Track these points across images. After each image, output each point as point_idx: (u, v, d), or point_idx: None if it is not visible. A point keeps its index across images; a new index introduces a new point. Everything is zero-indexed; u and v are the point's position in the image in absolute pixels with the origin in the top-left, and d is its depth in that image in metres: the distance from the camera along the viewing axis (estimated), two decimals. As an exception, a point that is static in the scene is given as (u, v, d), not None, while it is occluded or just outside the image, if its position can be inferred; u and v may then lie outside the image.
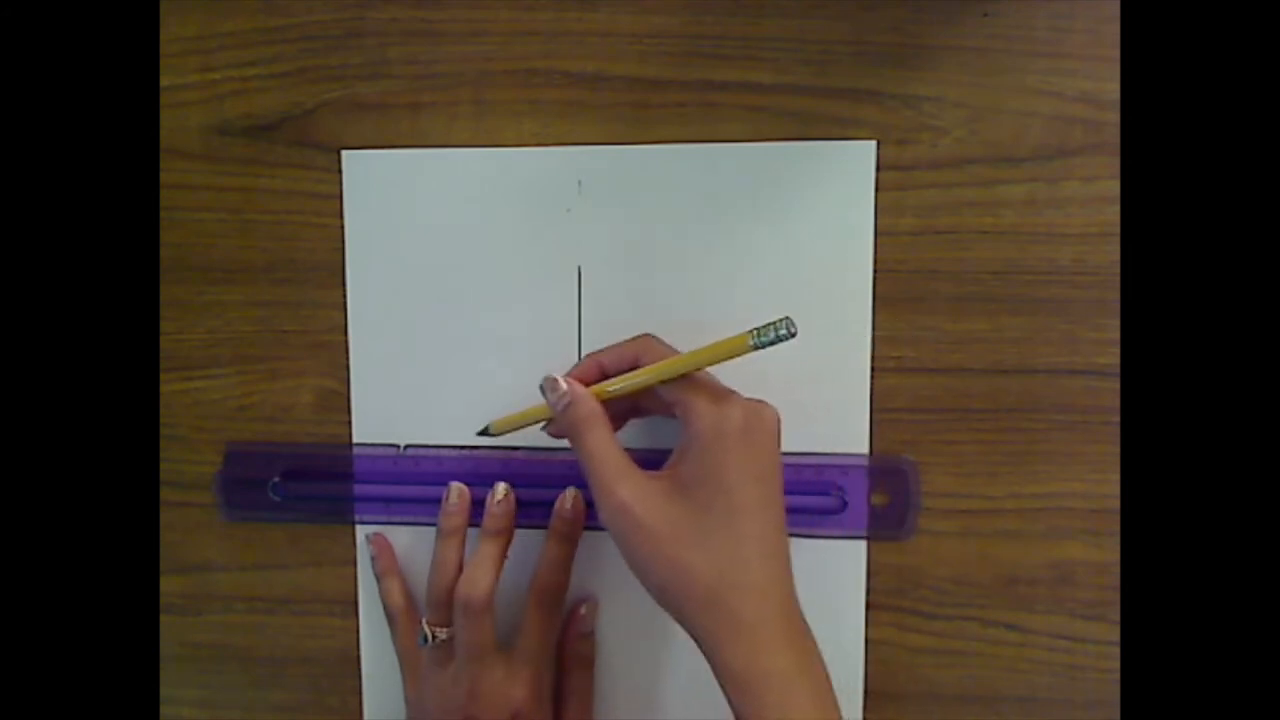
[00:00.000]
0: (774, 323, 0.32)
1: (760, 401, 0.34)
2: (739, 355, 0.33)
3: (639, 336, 0.37)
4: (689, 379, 0.34)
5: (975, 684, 0.40)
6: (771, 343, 0.32)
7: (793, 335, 0.32)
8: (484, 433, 0.40)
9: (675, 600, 0.32)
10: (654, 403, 0.36)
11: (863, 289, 0.39)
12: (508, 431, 0.39)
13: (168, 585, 0.43)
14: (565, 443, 0.40)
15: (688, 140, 0.39)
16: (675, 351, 0.35)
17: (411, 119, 0.40)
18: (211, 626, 0.44)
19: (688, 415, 0.34)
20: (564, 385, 0.35)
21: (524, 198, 0.40)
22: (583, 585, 0.41)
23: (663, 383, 0.35)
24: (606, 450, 0.34)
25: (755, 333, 0.33)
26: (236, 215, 0.41)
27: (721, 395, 0.34)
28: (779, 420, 0.34)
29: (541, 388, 0.36)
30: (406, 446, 0.41)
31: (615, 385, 0.35)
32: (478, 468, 0.41)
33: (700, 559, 0.32)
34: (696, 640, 0.32)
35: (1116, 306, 0.38)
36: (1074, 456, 0.39)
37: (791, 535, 0.39)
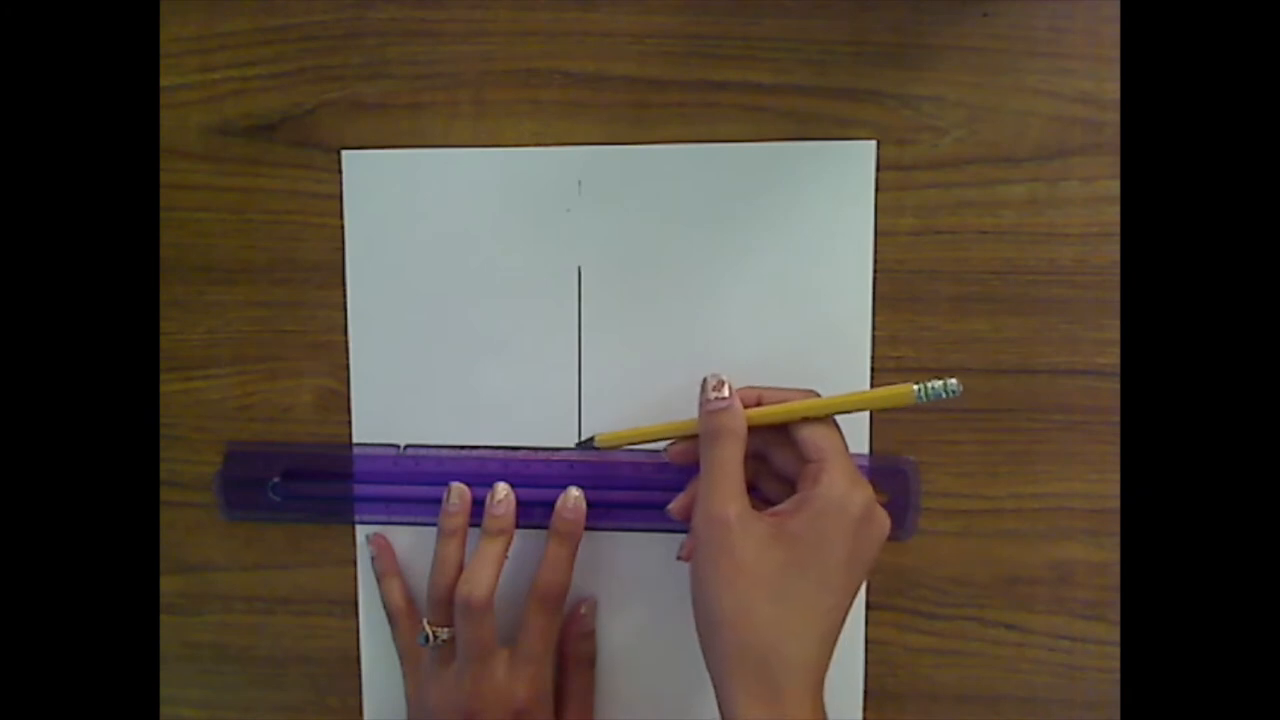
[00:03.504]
0: (943, 382, 0.33)
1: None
2: (899, 406, 0.34)
3: (808, 390, 0.36)
4: (833, 443, 0.34)
5: (975, 684, 0.40)
6: (936, 398, 0.33)
7: (956, 395, 0.33)
8: (586, 445, 0.39)
9: (720, 635, 0.32)
10: (783, 457, 0.36)
11: (863, 289, 0.39)
12: (615, 447, 0.39)
13: (168, 585, 0.43)
14: (565, 443, 0.40)
15: (688, 140, 0.39)
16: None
17: (411, 119, 0.40)
18: (211, 626, 0.44)
19: (819, 475, 0.33)
20: (729, 390, 0.35)
21: (524, 198, 0.40)
22: (583, 585, 0.41)
23: (809, 420, 0.35)
24: (735, 465, 0.34)
25: (922, 389, 0.33)
26: (236, 215, 0.41)
27: (854, 475, 0.34)
28: (888, 530, 0.34)
29: (705, 381, 0.35)
30: (406, 446, 0.41)
31: (765, 411, 0.35)
32: (478, 468, 0.41)
33: (769, 612, 0.32)
34: (715, 678, 0.32)
35: (1116, 306, 0.38)
36: (1074, 456, 0.39)
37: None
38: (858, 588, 0.34)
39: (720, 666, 0.32)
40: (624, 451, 0.40)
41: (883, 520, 0.34)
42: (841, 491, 0.33)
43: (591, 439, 0.39)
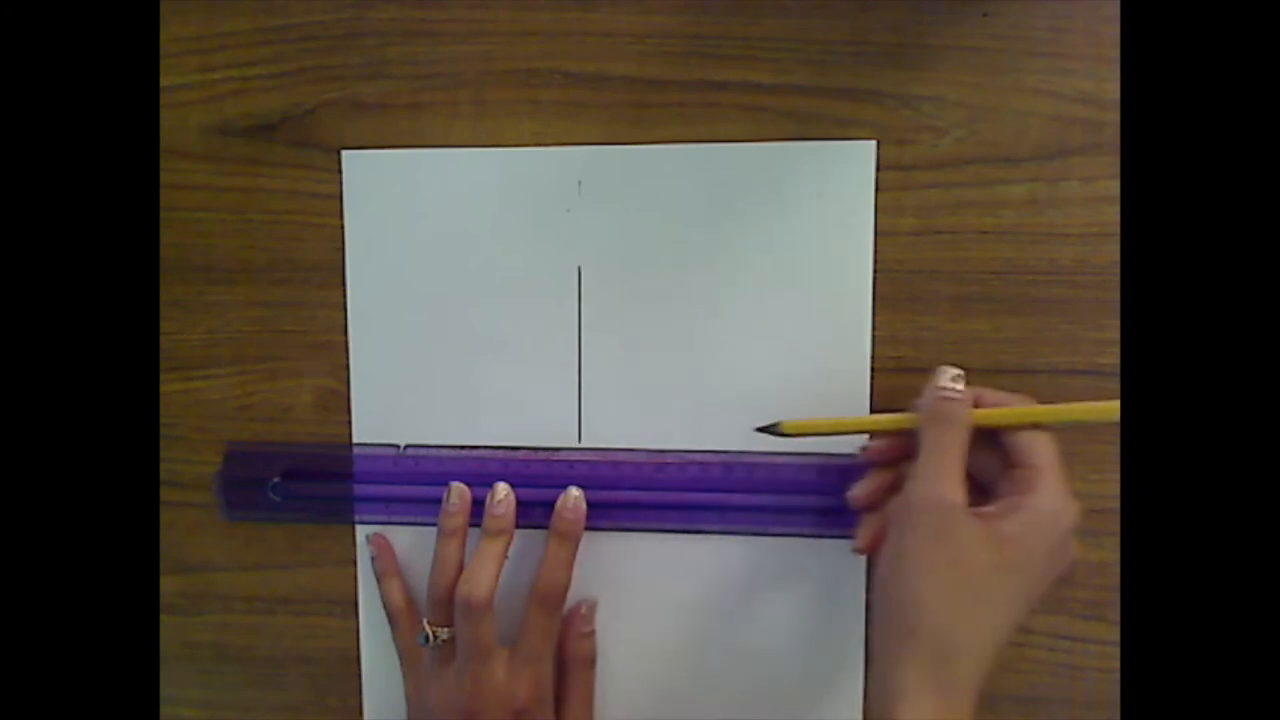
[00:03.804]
0: None
1: None
2: (1107, 421, 0.34)
3: (1022, 396, 0.36)
4: (1051, 453, 0.34)
5: (975, 684, 0.40)
6: None
7: None
8: (772, 430, 0.38)
9: (911, 617, 0.31)
10: (981, 460, 0.35)
11: (863, 289, 0.39)
12: (802, 436, 0.38)
13: (168, 585, 0.43)
14: (566, 443, 0.40)
15: (688, 140, 0.39)
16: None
17: (411, 119, 0.40)
18: (211, 626, 0.44)
19: (1034, 483, 0.33)
20: (963, 384, 0.35)
21: (524, 198, 0.40)
22: (583, 585, 0.41)
23: (1036, 427, 0.34)
24: (960, 452, 0.33)
25: None
26: (236, 215, 0.41)
27: (1069, 488, 0.33)
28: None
29: (940, 371, 0.35)
30: (406, 446, 0.41)
31: (992, 413, 0.35)
32: (478, 468, 0.41)
33: (970, 609, 0.31)
34: (887, 658, 0.32)
35: (1116, 306, 0.38)
36: (1074, 456, 0.38)
37: (792, 535, 0.40)
38: (1039, 600, 0.33)
39: (899, 648, 0.31)
40: (624, 451, 0.40)
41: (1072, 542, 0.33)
42: (1059, 504, 0.33)
43: (777, 424, 0.38)
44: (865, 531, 0.37)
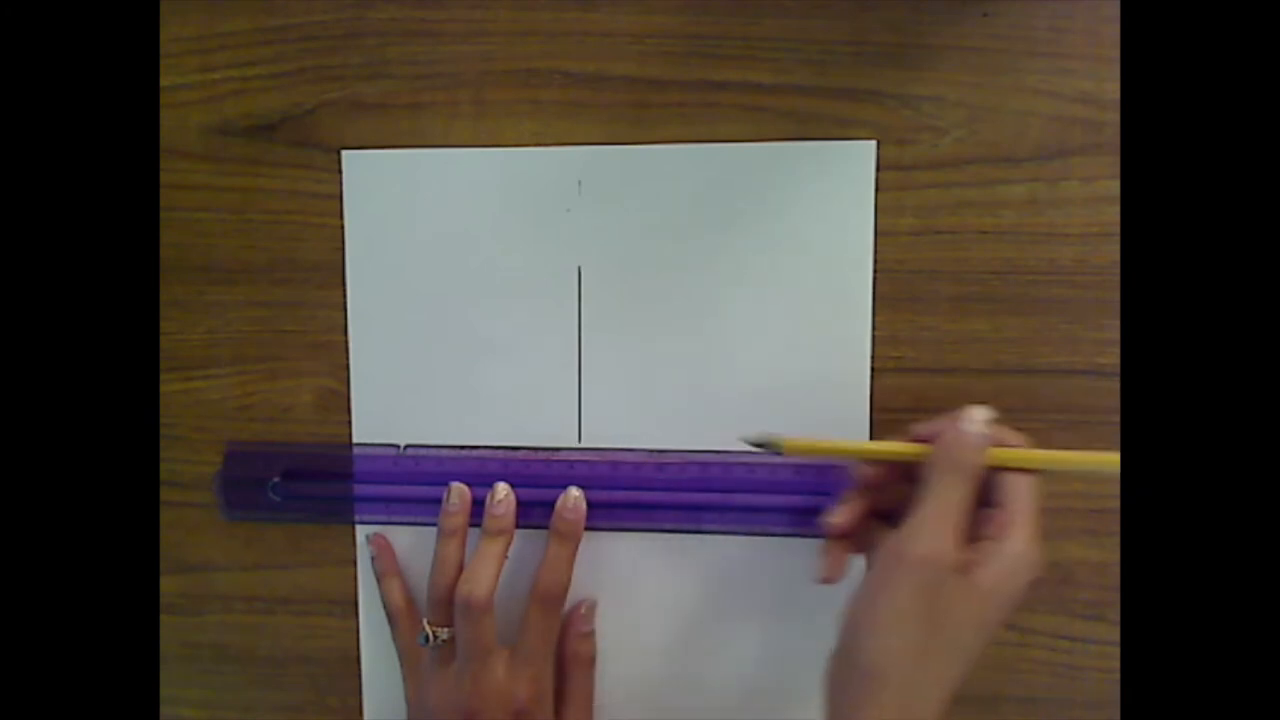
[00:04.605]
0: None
1: None
2: (1105, 470, 0.34)
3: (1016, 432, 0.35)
4: (1032, 499, 0.33)
5: (975, 684, 0.40)
6: None
7: None
8: (770, 448, 0.36)
9: (867, 671, 0.31)
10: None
11: (863, 289, 0.39)
12: (800, 454, 0.36)
13: (168, 585, 0.43)
14: (566, 443, 0.40)
15: (688, 140, 0.39)
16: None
17: (411, 119, 0.40)
18: (211, 626, 0.44)
19: (1009, 529, 0.32)
20: (991, 429, 0.33)
21: (524, 198, 0.40)
22: (583, 585, 0.41)
23: (1024, 471, 0.33)
24: (967, 508, 0.32)
25: None
26: (236, 215, 0.41)
27: (1040, 534, 0.32)
28: None
29: (967, 412, 0.33)
30: (406, 446, 0.41)
31: (1013, 455, 0.33)
32: (478, 468, 0.40)
33: (941, 667, 0.31)
34: (835, 700, 0.32)
35: (1116, 306, 0.38)
36: (1074, 456, 0.39)
37: (792, 535, 0.40)
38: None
39: (863, 694, 0.31)
40: (624, 451, 0.40)
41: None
42: (1032, 553, 0.32)
43: (778, 443, 0.36)
44: (832, 561, 0.36)
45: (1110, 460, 0.34)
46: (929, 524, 0.32)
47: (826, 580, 0.36)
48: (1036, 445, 0.39)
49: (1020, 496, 0.33)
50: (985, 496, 0.33)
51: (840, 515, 0.36)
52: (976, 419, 0.33)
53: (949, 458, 0.33)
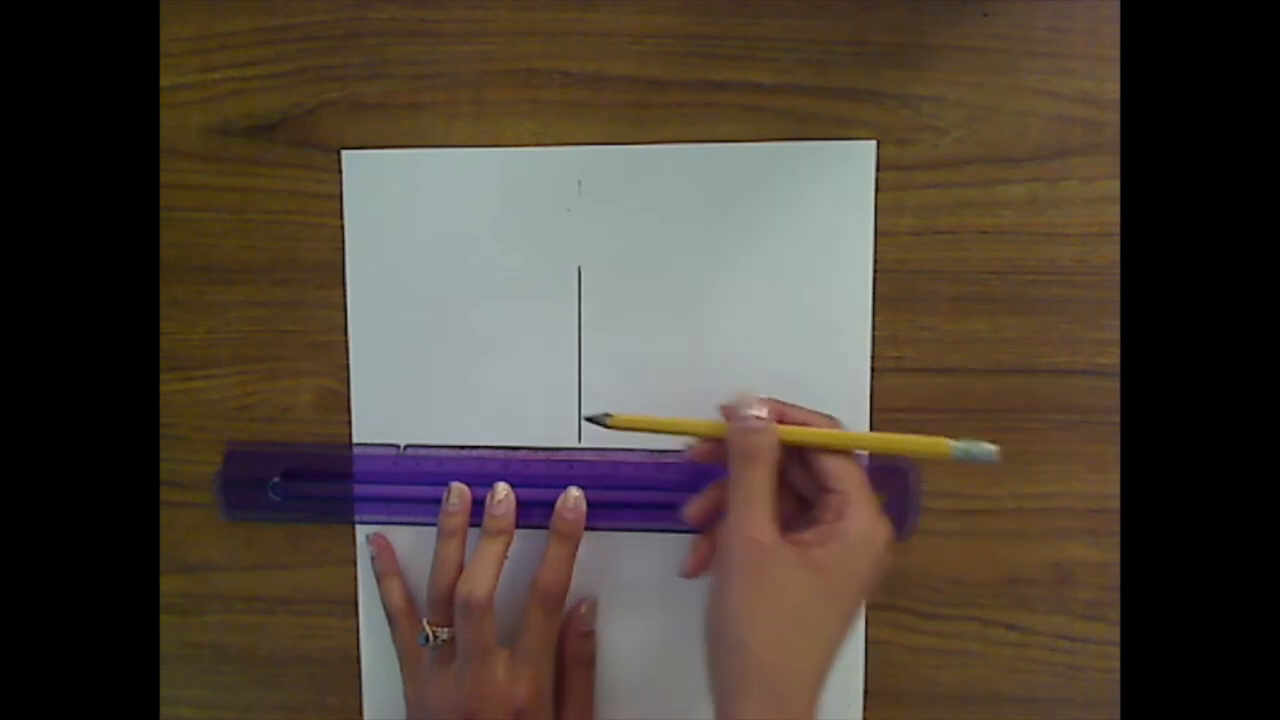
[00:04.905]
0: (981, 444, 0.33)
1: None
2: (935, 456, 0.34)
3: (828, 415, 0.36)
4: (856, 477, 0.34)
5: (975, 684, 0.40)
6: (970, 459, 0.33)
7: (993, 460, 0.33)
8: (598, 421, 0.37)
9: (738, 655, 0.32)
10: (798, 476, 0.36)
11: (863, 289, 0.39)
12: (628, 430, 0.37)
13: (168, 585, 0.43)
14: (566, 443, 0.40)
15: (688, 140, 0.39)
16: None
17: (411, 119, 0.40)
18: (211, 626, 0.44)
19: (843, 509, 0.33)
20: (766, 411, 0.34)
21: (524, 198, 0.40)
22: (583, 585, 0.41)
23: (835, 451, 0.34)
24: (769, 488, 0.33)
25: (959, 448, 0.33)
26: (236, 215, 0.41)
27: (877, 509, 0.34)
28: None
29: (737, 399, 0.35)
30: (406, 446, 0.41)
31: (797, 433, 0.34)
32: (478, 468, 0.41)
33: (793, 638, 0.32)
34: (723, 695, 0.32)
35: (1116, 306, 0.38)
36: (1074, 456, 0.39)
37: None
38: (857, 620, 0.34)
39: (732, 685, 0.32)
40: (624, 451, 0.40)
41: (890, 555, 0.34)
42: (869, 529, 0.33)
43: (606, 416, 0.37)
44: (695, 554, 0.37)
45: (940, 445, 0.34)
46: (738, 508, 0.33)
47: (688, 573, 0.37)
48: (1033, 445, 0.39)
49: (844, 477, 0.34)
50: (822, 483, 0.34)
51: (695, 507, 0.37)
52: (747, 404, 0.34)
53: (737, 445, 0.34)
